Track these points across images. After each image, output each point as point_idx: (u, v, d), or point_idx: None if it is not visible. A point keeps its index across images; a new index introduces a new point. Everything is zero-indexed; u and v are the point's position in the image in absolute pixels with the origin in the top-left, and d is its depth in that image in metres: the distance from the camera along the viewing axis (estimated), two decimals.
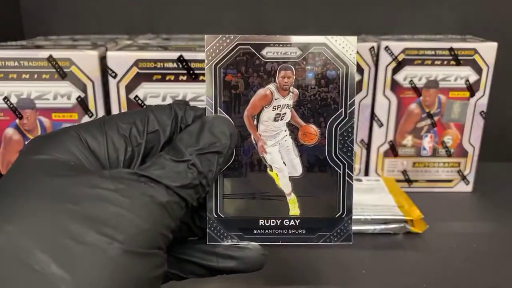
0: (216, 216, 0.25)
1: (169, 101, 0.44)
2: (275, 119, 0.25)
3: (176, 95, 0.44)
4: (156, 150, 0.23)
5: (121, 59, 0.43)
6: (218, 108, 0.25)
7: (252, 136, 0.25)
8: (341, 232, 0.25)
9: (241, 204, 0.25)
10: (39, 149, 0.21)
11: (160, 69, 0.43)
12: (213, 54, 0.24)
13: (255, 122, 0.25)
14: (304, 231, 0.26)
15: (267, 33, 0.25)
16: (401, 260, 0.39)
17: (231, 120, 0.24)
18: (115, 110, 0.44)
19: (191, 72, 0.43)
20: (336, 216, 0.25)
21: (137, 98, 0.44)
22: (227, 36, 0.24)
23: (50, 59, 0.42)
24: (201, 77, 0.43)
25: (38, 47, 0.45)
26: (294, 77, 0.25)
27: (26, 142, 0.44)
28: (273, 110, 0.25)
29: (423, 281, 0.36)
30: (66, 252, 0.17)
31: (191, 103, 0.44)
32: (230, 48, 0.24)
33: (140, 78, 0.43)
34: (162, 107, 0.24)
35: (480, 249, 0.40)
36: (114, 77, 0.43)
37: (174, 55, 0.43)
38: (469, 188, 0.52)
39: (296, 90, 0.25)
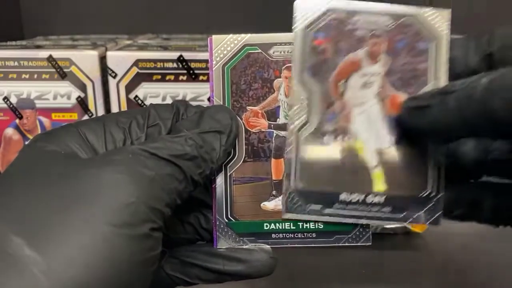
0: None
1: (169, 101, 0.44)
2: (363, 87, 0.24)
3: (176, 95, 0.44)
4: None
5: (121, 59, 0.43)
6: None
7: (336, 104, 0.24)
8: (430, 214, 0.24)
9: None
10: (36, 143, 0.21)
11: (160, 69, 0.43)
12: (306, 16, 0.24)
13: (341, 89, 0.24)
14: (390, 209, 0.24)
15: (267, 32, 0.25)
16: (401, 260, 0.39)
17: (230, 109, 0.24)
18: (115, 110, 0.44)
19: (191, 72, 0.43)
20: (425, 195, 0.24)
21: (137, 98, 0.44)
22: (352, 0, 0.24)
23: (50, 59, 0.42)
24: (201, 77, 0.43)
25: (38, 47, 0.45)
26: (385, 45, 0.24)
27: (26, 142, 0.45)
28: (361, 77, 0.24)
29: (423, 281, 0.36)
30: (41, 234, 0.17)
31: (191, 103, 0.44)
32: (321, 13, 0.24)
33: (140, 78, 0.43)
34: (164, 104, 0.24)
35: (480, 249, 0.40)
36: (114, 77, 0.43)
37: (174, 55, 0.42)
38: None
39: (387, 58, 0.24)
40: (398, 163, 0.23)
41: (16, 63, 0.42)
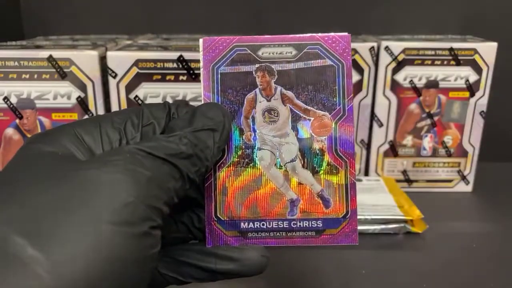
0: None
1: (169, 101, 0.44)
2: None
3: (176, 95, 0.44)
4: None
5: (121, 59, 0.43)
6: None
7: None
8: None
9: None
10: (33, 144, 0.21)
11: (160, 69, 0.43)
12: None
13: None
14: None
15: (267, 33, 0.25)
16: (401, 260, 0.39)
17: (222, 106, 0.24)
18: (115, 110, 0.44)
19: (191, 72, 0.43)
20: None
21: (137, 98, 0.44)
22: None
23: (50, 59, 0.42)
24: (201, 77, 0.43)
25: (38, 47, 0.45)
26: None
27: None
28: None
29: (423, 281, 0.36)
30: (44, 234, 0.17)
31: (191, 103, 0.44)
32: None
33: (140, 78, 0.43)
34: (156, 104, 0.24)
35: (480, 249, 0.40)
36: (114, 77, 0.43)
37: (174, 55, 0.43)
38: (469, 188, 0.52)
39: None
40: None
41: (16, 63, 0.42)
